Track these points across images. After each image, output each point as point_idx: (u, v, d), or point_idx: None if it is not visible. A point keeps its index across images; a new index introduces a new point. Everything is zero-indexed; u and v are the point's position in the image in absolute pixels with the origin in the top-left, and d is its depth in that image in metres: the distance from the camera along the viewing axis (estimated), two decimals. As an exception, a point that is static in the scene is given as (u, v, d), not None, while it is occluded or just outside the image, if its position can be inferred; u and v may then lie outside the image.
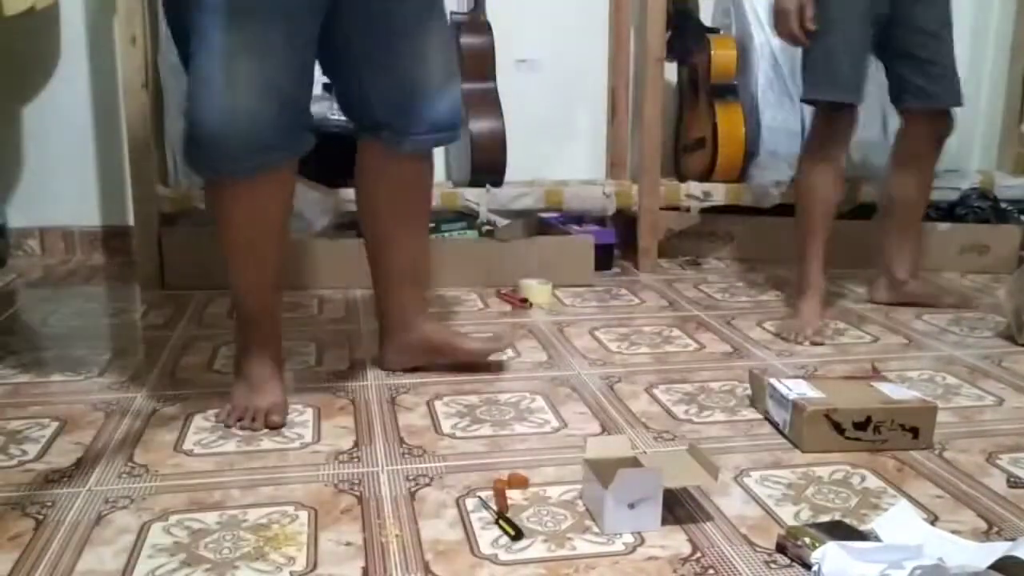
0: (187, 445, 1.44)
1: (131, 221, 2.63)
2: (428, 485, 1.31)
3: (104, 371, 1.80)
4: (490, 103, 2.75)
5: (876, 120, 2.74)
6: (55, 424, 1.52)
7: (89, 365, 1.83)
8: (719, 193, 2.76)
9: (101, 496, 1.27)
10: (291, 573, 1.08)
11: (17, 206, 2.83)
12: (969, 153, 3.37)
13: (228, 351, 1.92)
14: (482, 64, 2.78)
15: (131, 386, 1.71)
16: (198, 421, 1.54)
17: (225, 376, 1.78)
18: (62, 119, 2.77)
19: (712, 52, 2.74)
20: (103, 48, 2.76)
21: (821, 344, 2.00)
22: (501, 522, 1.19)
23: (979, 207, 2.84)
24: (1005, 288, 2.16)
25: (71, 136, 2.79)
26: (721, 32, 2.89)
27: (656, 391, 1.71)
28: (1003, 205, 2.87)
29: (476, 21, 2.82)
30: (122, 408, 1.60)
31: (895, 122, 2.75)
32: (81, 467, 1.36)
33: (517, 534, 1.17)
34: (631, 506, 1.21)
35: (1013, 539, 1.15)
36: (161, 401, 1.63)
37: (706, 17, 2.96)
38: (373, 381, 1.75)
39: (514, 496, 1.27)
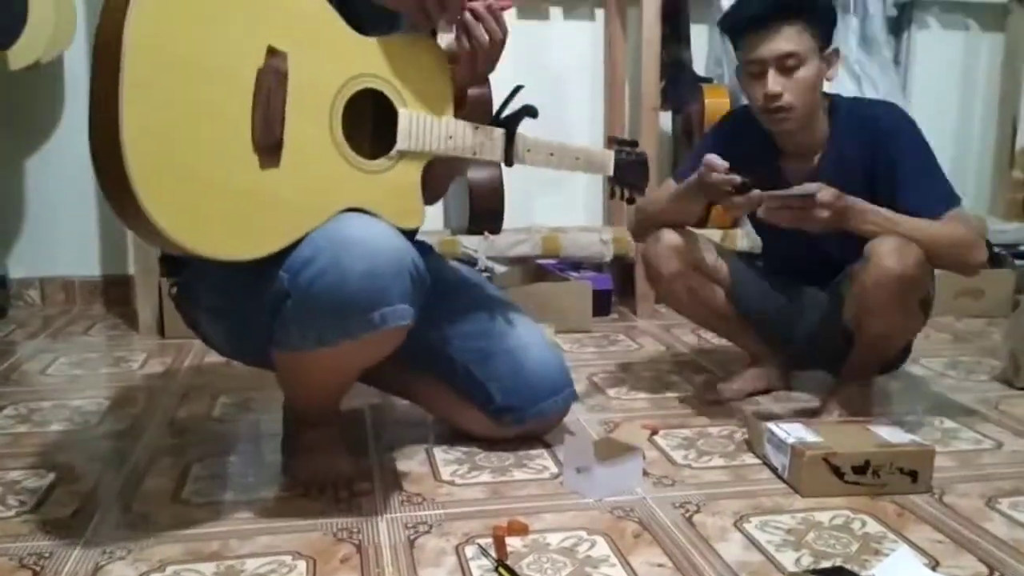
0: (185, 495, 1.44)
1: (131, 270, 2.65)
2: (427, 533, 1.31)
3: (103, 420, 1.80)
4: (487, 152, 2.79)
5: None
6: (53, 474, 1.52)
7: (88, 415, 1.82)
8: (715, 239, 2.78)
9: (98, 547, 1.26)
10: (289, 623, 1.08)
11: (18, 256, 2.85)
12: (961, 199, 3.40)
13: (227, 399, 1.92)
14: (480, 113, 2.82)
15: (130, 435, 1.71)
16: (196, 470, 1.54)
17: (224, 425, 1.78)
18: (64, 170, 2.80)
19: (705, 101, 2.78)
20: (106, 100, 2.79)
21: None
22: (501, 570, 1.19)
23: (973, 251, 2.86)
24: (1002, 332, 2.17)
25: (72, 187, 2.81)
26: (714, 81, 2.95)
27: (655, 436, 1.71)
28: (997, 250, 2.89)
29: (473, 72, 2.87)
30: (120, 457, 1.60)
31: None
32: (79, 517, 1.35)
33: (517, 582, 1.16)
34: (578, 470, 1.45)
35: (1014, 583, 1.15)
36: (160, 450, 1.63)
37: (699, 67, 3.01)
38: (369, 417, 1.75)
39: (514, 543, 1.27)
